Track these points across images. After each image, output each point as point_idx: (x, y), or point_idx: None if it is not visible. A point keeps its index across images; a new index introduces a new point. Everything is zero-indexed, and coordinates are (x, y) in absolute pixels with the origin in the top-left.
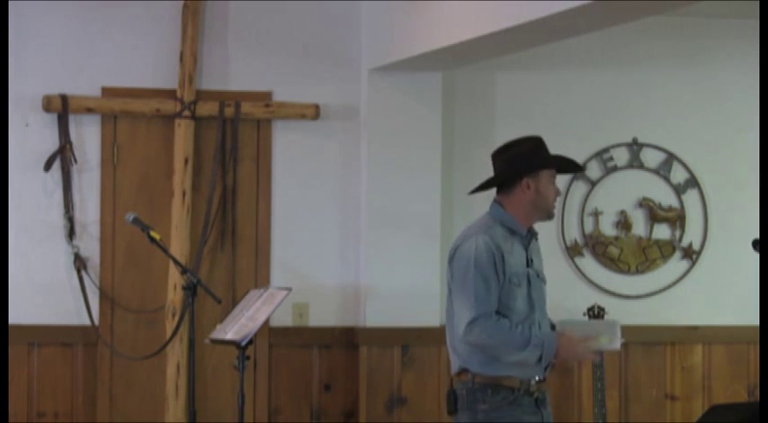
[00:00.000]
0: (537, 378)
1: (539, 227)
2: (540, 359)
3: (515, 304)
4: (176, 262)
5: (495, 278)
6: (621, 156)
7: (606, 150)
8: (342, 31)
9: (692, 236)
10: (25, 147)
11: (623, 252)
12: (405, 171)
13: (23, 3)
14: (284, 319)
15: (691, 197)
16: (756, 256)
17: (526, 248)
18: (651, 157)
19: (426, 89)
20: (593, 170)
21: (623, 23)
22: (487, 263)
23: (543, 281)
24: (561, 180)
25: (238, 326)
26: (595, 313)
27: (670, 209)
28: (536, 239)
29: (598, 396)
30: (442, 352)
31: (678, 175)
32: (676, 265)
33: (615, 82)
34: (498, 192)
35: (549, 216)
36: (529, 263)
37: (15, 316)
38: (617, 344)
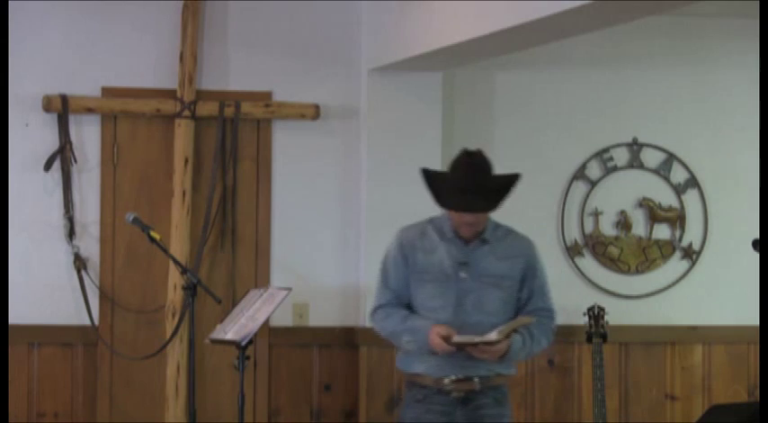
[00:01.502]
0: (453, 376)
1: (538, 227)
2: (420, 348)
3: (423, 298)
4: (176, 262)
5: (397, 273)
6: (621, 156)
7: (606, 150)
8: (342, 31)
9: (692, 236)
10: (25, 147)
11: (623, 252)
12: (405, 171)
13: (23, 3)
14: (284, 319)
15: (691, 197)
16: (756, 256)
17: (464, 251)
18: (651, 157)
19: (426, 89)
20: (593, 170)
21: (623, 23)
22: (392, 259)
23: (494, 285)
24: (561, 180)
25: (238, 326)
26: (595, 313)
27: (670, 209)
28: (491, 244)
29: (598, 396)
30: None
31: (678, 175)
32: (676, 265)
33: (615, 82)
34: None
35: (467, 237)
36: (459, 264)
37: (15, 316)
38: (492, 335)
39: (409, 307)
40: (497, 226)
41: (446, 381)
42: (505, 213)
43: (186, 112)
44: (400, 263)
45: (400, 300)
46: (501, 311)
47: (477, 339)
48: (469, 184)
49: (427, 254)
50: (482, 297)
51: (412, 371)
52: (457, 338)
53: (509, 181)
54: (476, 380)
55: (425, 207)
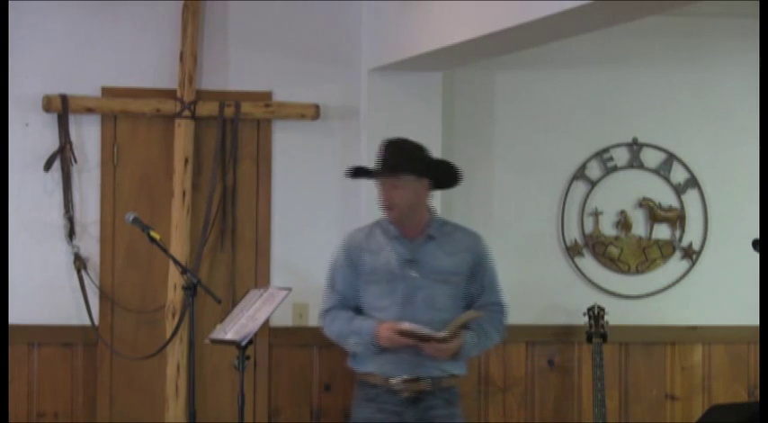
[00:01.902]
0: (404, 376)
1: (538, 227)
2: (367, 347)
3: (371, 299)
4: (176, 262)
5: (343, 276)
6: (621, 156)
7: (606, 150)
8: (342, 31)
9: (692, 236)
10: (25, 147)
11: (623, 252)
12: None
13: (23, 3)
14: (284, 319)
15: (691, 197)
16: (756, 256)
17: (410, 248)
18: (651, 157)
19: (426, 89)
20: (593, 170)
21: (623, 23)
22: (339, 262)
23: (442, 281)
24: (561, 180)
25: (238, 326)
26: (595, 313)
27: (670, 209)
28: (437, 241)
29: (598, 396)
30: None
31: (678, 175)
32: (676, 265)
33: (615, 82)
34: None
35: (391, 221)
36: (407, 262)
37: (15, 316)
38: (441, 333)
39: (357, 310)
40: (445, 222)
41: (396, 380)
42: (505, 213)
43: (186, 112)
44: (346, 266)
45: (347, 303)
46: (451, 307)
47: (425, 331)
48: (382, 157)
49: (374, 255)
50: (431, 294)
51: (363, 370)
52: (407, 325)
53: (420, 150)
54: (427, 380)
55: None
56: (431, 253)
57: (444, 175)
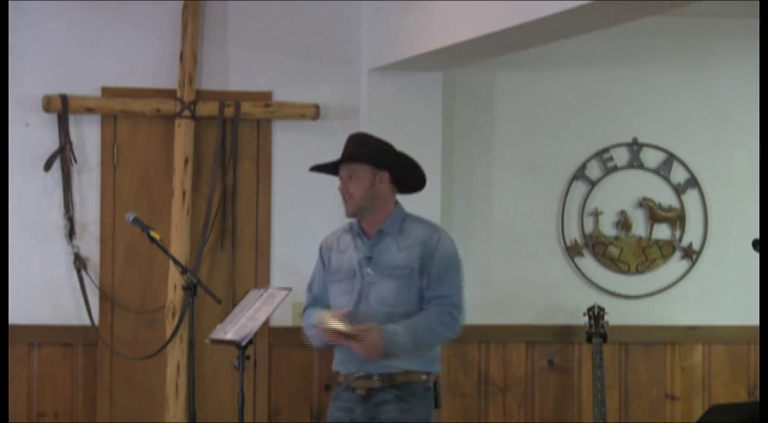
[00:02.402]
0: (356, 373)
1: (538, 227)
2: (320, 341)
3: (333, 297)
4: (176, 262)
5: (318, 276)
6: (621, 156)
7: (606, 150)
8: (342, 31)
9: (692, 236)
10: (25, 147)
11: (623, 252)
12: None
13: (23, 3)
14: (284, 319)
15: (691, 197)
16: (756, 256)
17: (369, 246)
18: (651, 157)
19: (426, 89)
20: (593, 170)
21: (623, 23)
22: (317, 261)
23: (391, 275)
24: (561, 180)
25: (238, 326)
26: (595, 313)
27: (670, 209)
28: (393, 236)
29: (598, 396)
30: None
31: (678, 175)
32: (676, 265)
33: (615, 82)
34: None
35: (348, 215)
36: (365, 259)
37: (15, 316)
38: (339, 325)
39: (329, 307)
40: (406, 217)
41: (351, 378)
42: (505, 213)
43: (186, 112)
44: (320, 266)
45: (319, 302)
46: (403, 303)
47: (348, 328)
48: (343, 149)
49: (340, 253)
50: (382, 290)
51: (335, 369)
52: (333, 324)
53: (382, 144)
54: (375, 377)
55: (425, 207)
56: (386, 249)
57: (406, 173)
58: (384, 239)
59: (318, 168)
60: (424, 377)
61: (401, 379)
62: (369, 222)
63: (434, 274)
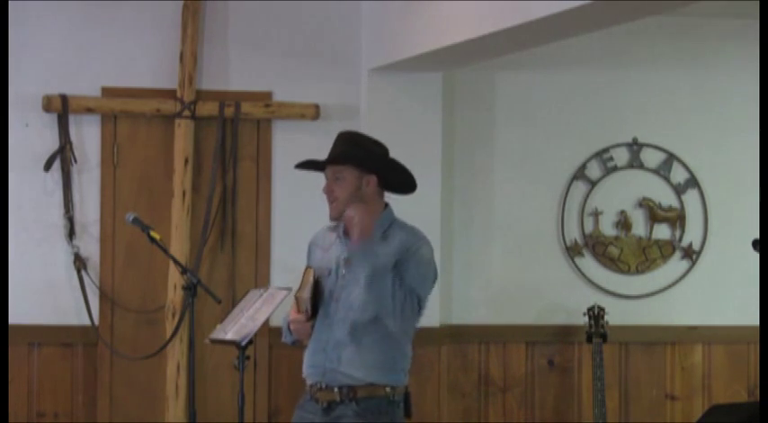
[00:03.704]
0: (318, 384)
1: (538, 227)
2: (287, 338)
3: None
4: (176, 262)
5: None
6: (621, 156)
7: (606, 150)
8: (342, 31)
9: (692, 236)
10: (25, 147)
11: (623, 252)
12: None
13: (23, 3)
14: None
15: (691, 197)
16: (756, 256)
17: (349, 247)
18: (651, 157)
19: (426, 89)
20: (593, 170)
21: (623, 23)
22: (308, 251)
23: (356, 278)
24: (561, 180)
25: (238, 326)
26: (595, 313)
27: (670, 209)
28: (375, 240)
29: (598, 396)
30: (441, 352)
31: (678, 175)
32: (676, 265)
33: (615, 82)
34: None
35: (331, 217)
36: (344, 261)
37: (15, 316)
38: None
39: None
40: (393, 223)
41: (314, 388)
42: (505, 213)
43: (186, 112)
44: (307, 261)
45: None
46: (366, 308)
47: (304, 306)
48: (332, 148)
49: (323, 251)
50: (353, 293)
51: (303, 374)
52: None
53: (372, 145)
54: (335, 390)
55: (425, 207)
56: (366, 252)
57: (395, 176)
58: (366, 243)
59: (304, 165)
60: (387, 390)
61: (362, 393)
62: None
63: (407, 277)
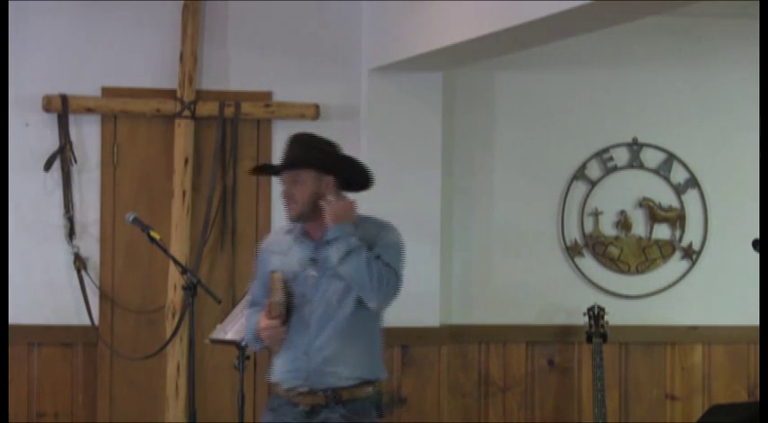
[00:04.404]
0: (300, 389)
1: (538, 227)
2: (254, 344)
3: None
4: (176, 262)
5: (257, 278)
6: (621, 156)
7: (606, 150)
8: (342, 31)
9: (692, 236)
10: (25, 147)
11: (623, 252)
12: (405, 171)
13: (23, 3)
14: None
15: (691, 197)
16: (756, 256)
17: (312, 248)
18: (651, 157)
19: (426, 89)
20: (593, 170)
21: (623, 23)
22: (257, 258)
23: (336, 276)
24: (561, 180)
25: (238, 326)
26: (595, 313)
27: (670, 209)
28: (337, 240)
29: (598, 396)
30: (441, 352)
31: (678, 175)
32: (676, 265)
33: (615, 82)
34: None
35: (289, 219)
36: (309, 261)
37: (15, 316)
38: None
39: None
40: (361, 220)
41: (294, 393)
42: (505, 213)
43: (186, 112)
44: (258, 267)
45: (258, 301)
46: (347, 304)
47: (277, 310)
48: (285, 151)
49: (281, 255)
50: (328, 291)
51: (272, 379)
52: (269, 319)
53: (326, 145)
54: (320, 393)
55: (425, 207)
56: (335, 250)
57: (352, 174)
58: (330, 242)
59: (260, 170)
60: (369, 389)
61: (347, 395)
62: (313, 226)
63: (382, 254)
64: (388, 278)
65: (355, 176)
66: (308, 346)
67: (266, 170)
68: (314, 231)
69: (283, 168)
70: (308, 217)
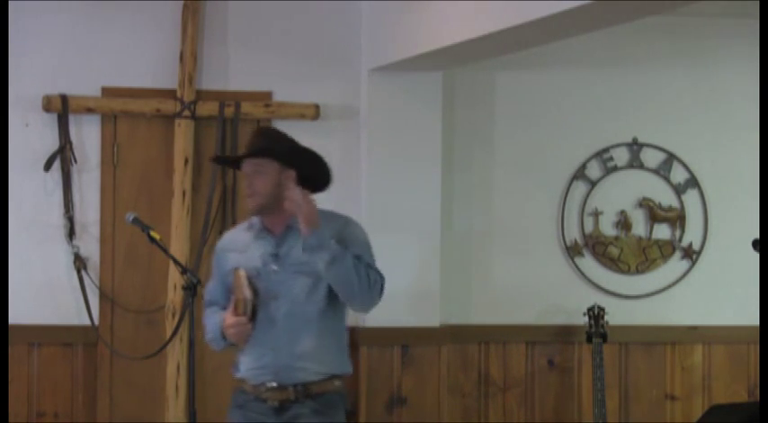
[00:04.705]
0: (268, 384)
1: (538, 227)
2: (218, 342)
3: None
4: (176, 262)
5: (214, 275)
6: (621, 156)
7: (606, 150)
8: (342, 31)
9: (692, 236)
10: (25, 147)
11: (623, 252)
12: (405, 171)
13: (23, 3)
14: None
15: (691, 197)
16: (756, 256)
17: (274, 243)
18: (651, 157)
19: (426, 89)
20: (593, 170)
21: (623, 23)
22: (214, 258)
23: (300, 272)
24: (561, 180)
25: None
26: (595, 313)
27: (670, 209)
28: (300, 231)
29: (598, 396)
30: (441, 352)
31: (678, 175)
32: (676, 265)
33: (615, 82)
34: None
35: (251, 211)
36: (271, 257)
37: (15, 316)
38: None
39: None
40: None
41: (263, 388)
42: (505, 213)
43: (186, 112)
44: (215, 266)
45: (215, 300)
46: (314, 300)
47: (245, 308)
48: (249, 143)
49: (240, 253)
50: (293, 288)
51: (238, 376)
52: (232, 316)
53: (289, 141)
54: (290, 389)
55: (425, 207)
56: (292, 245)
57: (313, 171)
58: (292, 236)
59: (220, 160)
60: (337, 383)
61: (316, 389)
62: (273, 220)
63: (357, 252)
64: (374, 280)
65: (316, 174)
66: (276, 342)
67: (226, 160)
68: (274, 226)
69: (246, 156)
70: (269, 210)
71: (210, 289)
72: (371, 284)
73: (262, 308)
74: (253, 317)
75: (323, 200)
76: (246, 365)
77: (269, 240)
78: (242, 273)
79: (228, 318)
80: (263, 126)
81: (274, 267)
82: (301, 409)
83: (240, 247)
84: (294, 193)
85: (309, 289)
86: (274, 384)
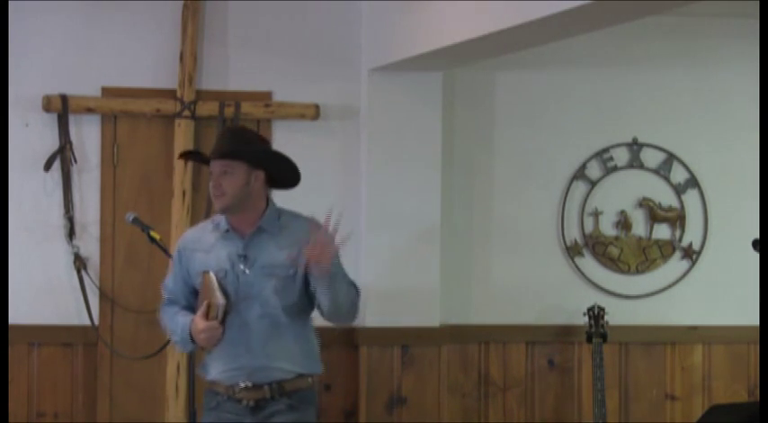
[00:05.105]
0: (243, 384)
1: (538, 227)
2: (185, 345)
3: (203, 297)
4: None
5: (175, 274)
6: (621, 156)
7: (606, 150)
8: (342, 31)
9: (692, 236)
10: (25, 147)
11: (623, 252)
12: (405, 171)
13: (23, 3)
14: None
15: (691, 197)
16: (756, 256)
17: (240, 244)
18: (651, 157)
19: (426, 89)
20: (593, 170)
21: (623, 23)
22: (175, 256)
23: (269, 275)
24: (561, 180)
25: None
26: (595, 313)
27: (670, 209)
28: (270, 233)
29: (598, 396)
30: (441, 352)
31: (678, 175)
32: (676, 265)
33: (615, 82)
34: None
35: (218, 211)
36: (238, 257)
37: (15, 316)
38: (219, 299)
39: (192, 309)
40: (282, 213)
41: (237, 389)
42: (505, 213)
43: (186, 112)
44: (177, 265)
45: (176, 299)
46: (286, 303)
47: (216, 312)
48: (218, 142)
49: (206, 253)
50: (265, 290)
51: (209, 378)
52: (201, 318)
53: (258, 141)
54: (265, 387)
55: (425, 207)
56: (262, 247)
57: (281, 171)
58: (259, 237)
59: (190, 156)
60: (309, 380)
61: (290, 387)
62: (240, 221)
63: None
64: (355, 294)
65: (285, 175)
66: (251, 344)
67: (197, 157)
68: (242, 226)
69: (215, 157)
70: (235, 210)
71: (171, 287)
72: (353, 304)
73: (232, 310)
74: (223, 320)
75: (323, 200)
76: (219, 368)
77: (236, 241)
78: (212, 276)
79: (200, 322)
80: (233, 126)
81: (243, 269)
82: (277, 407)
83: (206, 246)
84: (325, 249)
85: (279, 291)
86: (249, 384)
